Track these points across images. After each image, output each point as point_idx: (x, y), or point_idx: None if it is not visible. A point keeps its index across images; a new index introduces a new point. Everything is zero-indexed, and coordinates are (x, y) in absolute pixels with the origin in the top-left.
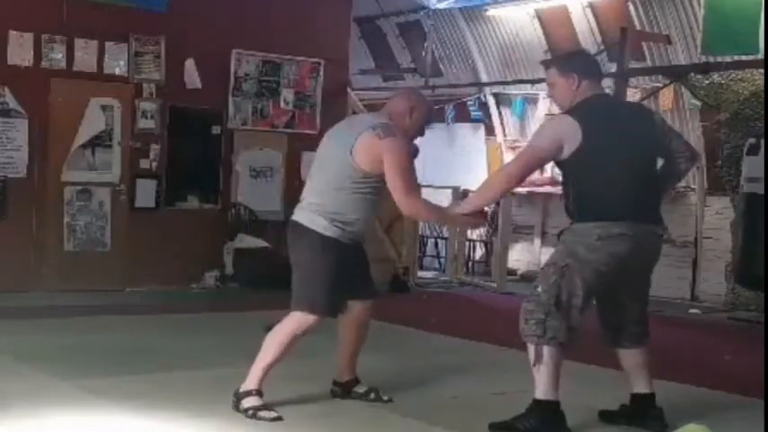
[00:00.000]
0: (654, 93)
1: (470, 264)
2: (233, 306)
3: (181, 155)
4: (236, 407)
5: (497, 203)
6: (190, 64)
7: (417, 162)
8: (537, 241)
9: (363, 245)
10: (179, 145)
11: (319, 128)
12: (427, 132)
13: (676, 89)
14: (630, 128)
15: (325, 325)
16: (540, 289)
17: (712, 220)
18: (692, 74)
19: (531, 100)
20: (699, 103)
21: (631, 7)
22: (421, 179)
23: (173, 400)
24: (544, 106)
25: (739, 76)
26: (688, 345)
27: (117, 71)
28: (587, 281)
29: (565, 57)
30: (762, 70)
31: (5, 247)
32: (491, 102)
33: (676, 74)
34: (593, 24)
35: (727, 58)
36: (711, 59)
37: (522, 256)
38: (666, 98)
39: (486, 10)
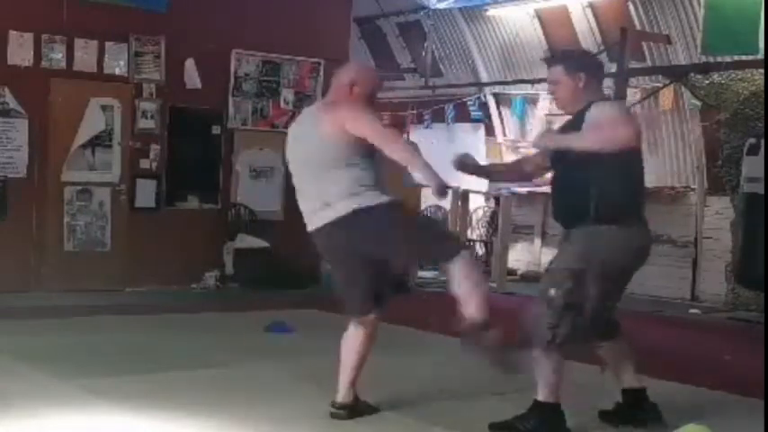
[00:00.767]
0: (654, 93)
1: None
2: (233, 306)
3: (181, 155)
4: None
5: (497, 203)
6: (190, 64)
7: None
8: (537, 241)
9: None
10: (179, 145)
11: None
12: (427, 132)
13: (676, 89)
14: None
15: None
16: (552, 292)
17: (712, 220)
18: (692, 74)
19: (531, 100)
20: (699, 103)
21: (631, 7)
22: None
23: (173, 400)
24: (544, 106)
25: (739, 76)
26: (688, 345)
27: (117, 71)
28: (602, 286)
29: (572, 55)
30: (762, 70)
31: (5, 247)
32: (491, 102)
33: (676, 74)
34: (593, 24)
35: (727, 58)
36: (711, 59)
37: (522, 256)
38: (666, 98)
39: (486, 10)
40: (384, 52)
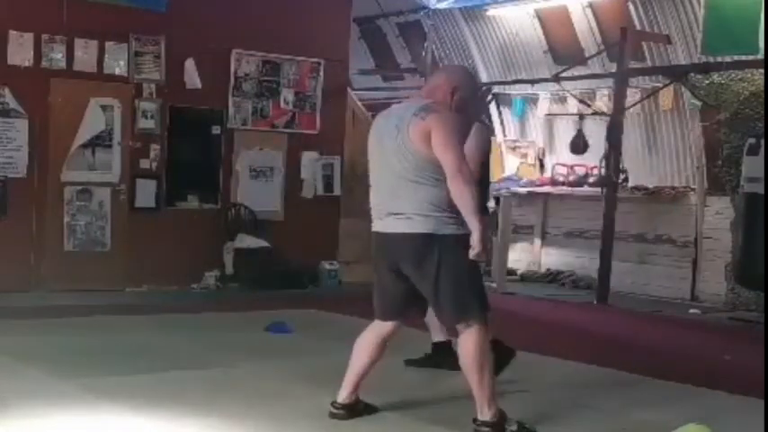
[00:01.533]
0: (653, 93)
1: None
2: (233, 306)
3: (181, 155)
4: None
5: (497, 203)
6: (190, 64)
7: None
8: (537, 241)
9: None
10: (179, 145)
11: (319, 128)
12: None
13: (676, 89)
14: None
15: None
16: None
17: (712, 220)
18: (692, 74)
19: (531, 100)
20: (699, 103)
21: (631, 7)
22: None
23: (173, 400)
24: (545, 106)
25: (739, 76)
26: (688, 345)
27: (117, 71)
28: None
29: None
30: (762, 70)
31: (5, 246)
32: (491, 102)
33: (676, 74)
34: (594, 24)
35: (727, 58)
36: (711, 59)
37: (522, 256)
38: (666, 98)
39: (486, 10)
40: (384, 52)
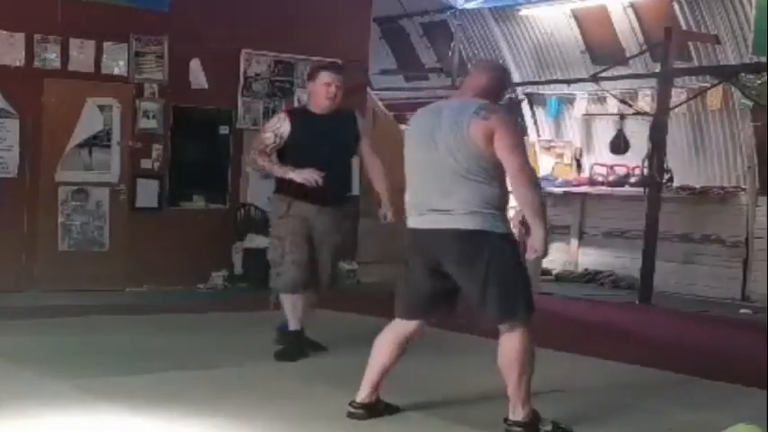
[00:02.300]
0: (701, 93)
1: None
2: (240, 306)
3: (185, 155)
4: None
5: None
6: (195, 64)
7: None
8: (574, 241)
9: None
10: (184, 145)
11: None
12: None
13: (726, 89)
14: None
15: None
16: None
17: (763, 219)
18: (743, 74)
19: (568, 100)
20: (750, 103)
21: (676, 7)
22: None
23: (179, 400)
24: (582, 106)
25: None
26: (738, 345)
27: (116, 71)
28: None
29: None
30: None
31: None
32: (524, 102)
33: (725, 74)
34: (635, 24)
35: None
36: (764, 59)
37: (558, 256)
38: (715, 98)
39: (519, 10)
40: (406, 52)
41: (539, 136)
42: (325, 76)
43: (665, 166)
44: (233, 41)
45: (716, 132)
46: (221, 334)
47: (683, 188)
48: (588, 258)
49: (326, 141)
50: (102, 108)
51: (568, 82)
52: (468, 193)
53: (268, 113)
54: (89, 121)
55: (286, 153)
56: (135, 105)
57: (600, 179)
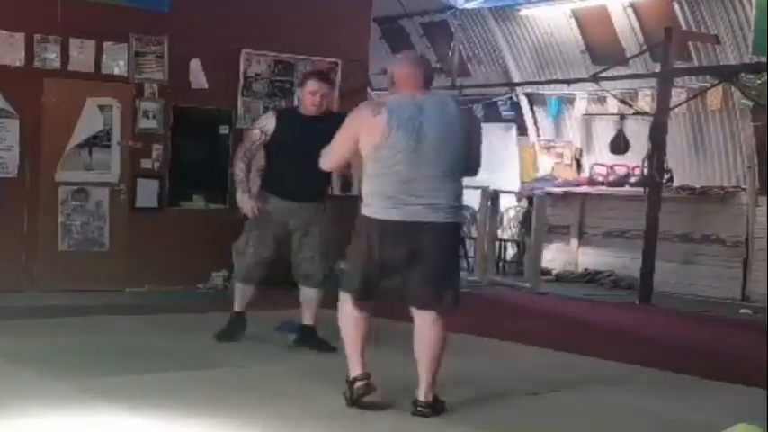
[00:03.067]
0: (701, 93)
1: (501, 264)
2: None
3: (185, 155)
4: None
5: (530, 203)
6: (195, 64)
7: None
8: (574, 241)
9: None
10: (184, 145)
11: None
12: None
13: (726, 89)
14: None
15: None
16: None
17: (763, 219)
18: (743, 74)
19: (568, 100)
20: (750, 103)
21: (677, 7)
22: None
23: (174, 401)
24: (582, 106)
25: None
26: (739, 344)
27: (116, 71)
28: None
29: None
30: None
31: None
32: (524, 102)
33: (725, 74)
34: (635, 24)
35: None
36: (764, 59)
37: (558, 255)
38: (715, 98)
39: (519, 10)
40: None
41: (539, 136)
42: (310, 85)
43: (665, 166)
44: (233, 41)
45: (716, 132)
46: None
47: (683, 188)
48: (588, 258)
49: (309, 141)
50: (102, 108)
51: (568, 82)
52: (451, 187)
53: None
54: (89, 121)
55: (270, 149)
56: (135, 105)
57: (600, 179)
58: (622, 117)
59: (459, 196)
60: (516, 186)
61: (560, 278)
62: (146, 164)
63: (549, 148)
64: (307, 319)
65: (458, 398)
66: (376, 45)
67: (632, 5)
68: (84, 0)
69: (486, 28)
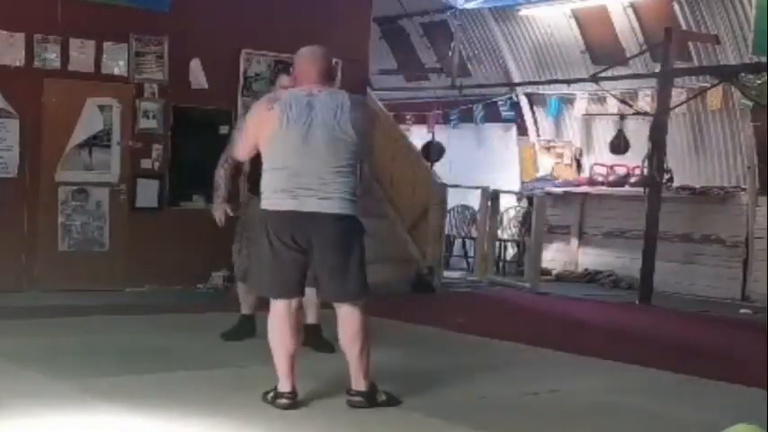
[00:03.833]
0: (701, 93)
1: (501, 264)
2: (240, 306)
3: (186, 155)
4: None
5: (530, 203)
6: (195, 64)
7: (444, 162)
8: (574, 241)
9: None
10: (184, 145)
11: None
12: (455, 132)
13: (725, 89)
14: None
15: None
16: None
17: (764, 219)
18: (743, 74)
19: (568, 100)
20: (750, 103)
21: (676, 7)
22: (448, 179)
23: (174, 401)
24: (582, 106)
25: None
26: (738, 344)
27: (116, 71)
28: None
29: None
30: None
31: None
32: (524, 102)
33: (725, 74)
34: (635, 24)
35: None
36: (764, 59)
37: (558, 255)
38: (715, 98)
39: (519, 10)
40: (407, 52)
41: (539, 136)
42: (284, 80)
43: (665, 166)
44: (233, 41)
45: (716, 132)
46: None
47: (683, 188)
48: (588, 258)
49: None
50: (102, 108)
51: (568, 82)
52: (344, 181)
53: None
54: (89, 121)
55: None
56: (135, 105)
57: (600, 179)
58: (622, 117)
59: (352, 189)
60: (516, 186)
61: (560, 278)
62: (146, 164)
63: (549, 148)
64: (310, 318)
65: (458, 398)
66: (376, 45)
67: (632, 5)
68: (84, 0)
69: (486, 28)
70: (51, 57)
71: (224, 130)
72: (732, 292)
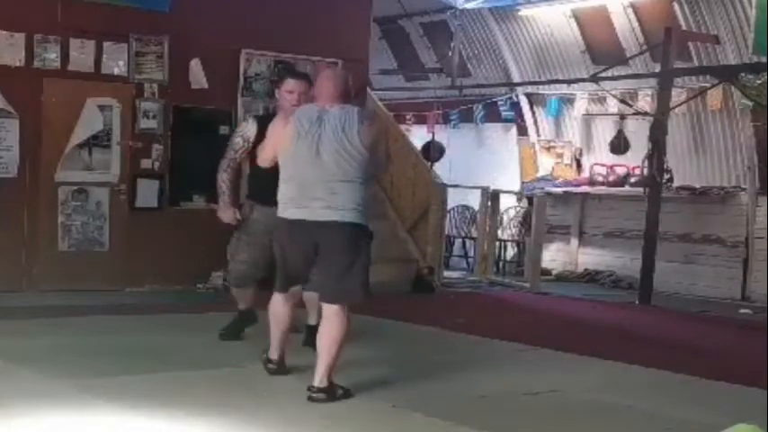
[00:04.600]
0: (701, 93)
1: (501, 264)
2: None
3: (186, 155)
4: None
5: (530, 203)
6: (195, 64)
7: (444, 162)
8: (574, 241)
9: None
10: (184, 145)
11: None
12: (455, 132)
13: (726, 89)
14: None
15: None
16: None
17: (764, 219)
18: (743, 74)
19: (568, 100)
20: (750, 104)
21: (676, 7)
22: (448, 179)
23: (175, 400)
24: (582, 106)
25: None
26: (738, 344)
27: (116, 71)
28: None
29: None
30: None
31: None
32: (524, 102)
33: (725, 74)
34: (635, 24)
35: None
36: (764, 59)
37: (558, 256)
38: (715, 98)
39: (519, 10)
40: (407, 52)
41: (539, 136)
42: (288, 84)
43: (665, 166)
44: (233, 41)
45: (716, 132)
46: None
47: (683, 188)
48: (588, 258)
49: None
50: (102, 108)
51: (568, 82)
52: (350, 192)
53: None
54: (89, 121)
55: (253, 156)
56: (135, 105)
57: (600, 179)
58: (622, 117)
59: (359, 199)
60: (516, 186)
61: (560, 278)
62: (146, 164)
63: (549, 148)
64: (312, 319)
65: (458, 398)
66: (376, 45)
67: (632, 5)
68: (84, 0)
69: (486, 28)
70: (51, 57)
71: (224, 130)
72: (732, 292)
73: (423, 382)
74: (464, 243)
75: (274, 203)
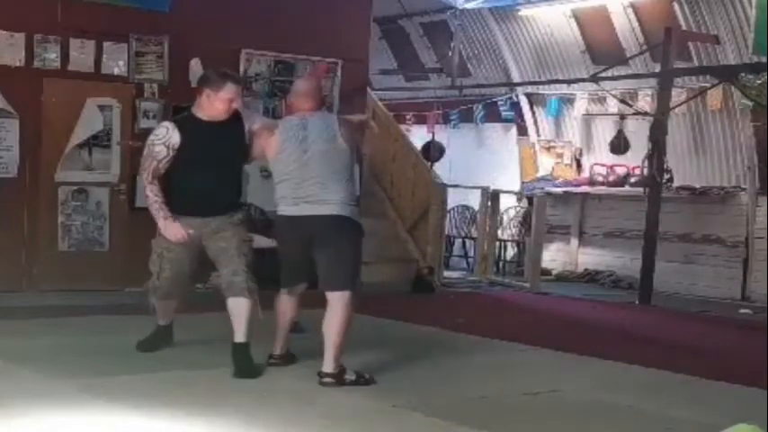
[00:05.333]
0: (701, 93)
1: (501, 264)
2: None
3: None
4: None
5: (530, 203)
6: (195, 63)
7: (444, 162)
8: (574, 241)
9: None
10: None
11: None
12: (455, 132)
13: (726, 89)
14: None
15: None
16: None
17: (764, 219)
18: (743, 74)
19: (568, 100)
20: (750, 104)
21: (677, 7)
22: (448, 179)
23: (175, 400)
24: (582, 106)
25: None
26: (738, 344)
27: (116, 71)
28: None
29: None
30: None
31: None
32: (524, 102)
33: (725, 74)
34: (635, 24)
35: None
36: (764, 59)
37: (558, 256)
38: (715, 98)
39: (519, 10)
40: (407, 52)
41: (539, 136)
42: (228, 91)
43: (665, 166)
44: (233, 41)
45: (716, 132)
46: (221, 334)
47: (683, 188)
48: (588, 258)
49: (216, 151)
50: (102, 108)
51: (568, 82)
52: (339, 187)
53: (268, 113)
54: (89, 121)
55: (176, 164)
56: (135, 105)
57: (600, 179)
58: (622, 117)
59: (348, 193)
60: (516, 186)
61: (560, 278)
62: None
63: (549, 148)
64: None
65: (458, 398)
66: (376, 45)
67: (632, 5)
68: (84, 0)
69: (486, 28)
70: (51, 57)
71: None
72: (732, 292)
73: (423, 382)
74: (464, 243)
75: (193, 213)
